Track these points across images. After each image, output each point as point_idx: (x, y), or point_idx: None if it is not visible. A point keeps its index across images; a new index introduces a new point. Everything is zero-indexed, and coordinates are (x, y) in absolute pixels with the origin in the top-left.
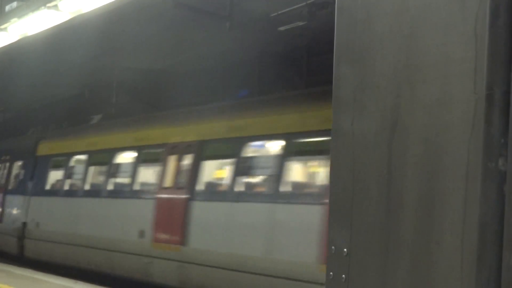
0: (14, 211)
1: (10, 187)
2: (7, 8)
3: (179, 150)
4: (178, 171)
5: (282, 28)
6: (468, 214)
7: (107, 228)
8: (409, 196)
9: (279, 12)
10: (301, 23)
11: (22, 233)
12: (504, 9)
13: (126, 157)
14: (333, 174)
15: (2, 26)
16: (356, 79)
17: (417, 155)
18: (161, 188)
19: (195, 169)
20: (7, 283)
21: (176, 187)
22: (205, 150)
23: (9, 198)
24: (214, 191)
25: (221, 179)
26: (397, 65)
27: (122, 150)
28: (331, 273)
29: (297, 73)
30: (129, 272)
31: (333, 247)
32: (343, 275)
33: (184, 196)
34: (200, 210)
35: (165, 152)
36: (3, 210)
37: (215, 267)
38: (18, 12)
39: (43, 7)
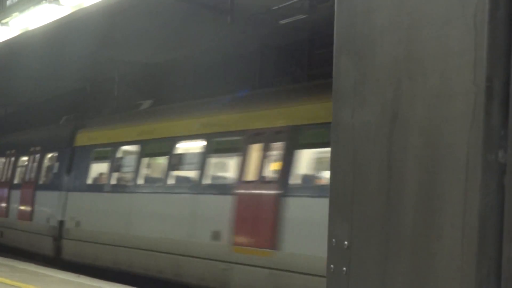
0: (48, 208)
1: (41, 182)
2: (8, 2)
3: (265, 137)
4: (265, 162)
5: (283, 22)
6: (468, 206)
7: (170, 229)
8: (409, 188)
9: (280, 6)
10: (302, 16)
11: (58, 232)
12: (504, 1)
13: (192, 147)
14: (333, 166)
15: (4, 21)
16: (356, 71)
17: (417, 147)
18: (241, 182)
19: (288, 159)
20: (10, 277)
21: (262, 181)
22: (301, 137)
23: (41, 194)
24: (317, 186)
25: (327, 171)
26: (397, 58)
27: (186, 138)
28: (332, 266)
29: (298, 66)
30: (200, 279)
31: (333, 239)
32: (344, 268)
33: (275, 192)
34: (297, 208)
35: (245, 140)
36: (33, 207)
37: (320, 275)
38: (19, 7)
39: (44, 1)
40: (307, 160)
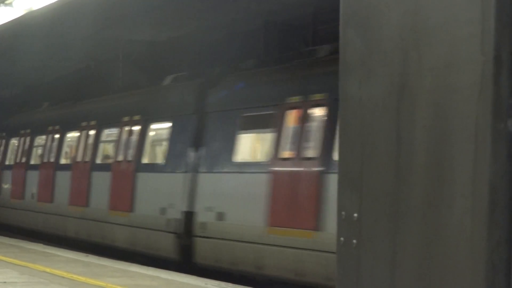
0: None
1: None
2: None
3: None
4: None
5: None
6: (478, 175)
7: None
8: (418, 159)
9: None
10: None
11: None
12: None
13: None
14: (342, 139)
15: (8, 1)
16: (362, 43)
17: (425, 118)
18: None
19: None
20: (19, 258)
21: None
22: None
23: None
24: None
25: None
26: (403, 29)
27: None
28: (341, 238)
29: (303, 42)
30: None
31: (343, 212)
32: (354, 240)
33: None
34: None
35: None
36: None
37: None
38: None
39: None
40: None
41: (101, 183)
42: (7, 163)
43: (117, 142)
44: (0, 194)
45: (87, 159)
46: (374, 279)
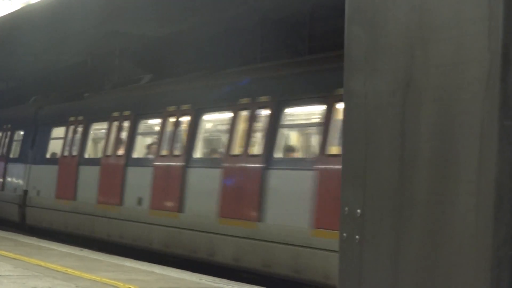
0: None
1: None
2: None
3: None
4: None
5: None
6: (484, 173)
7: None
8: (423, 156)
9: None
10: None
11: None
12: None
13: None
14: (346, 135)
15: None
16: (368, 39)
17: (430, 115)
18: None
19: None
20: (13, 251)
21: None
22: None
23: None
24: None
25: None
26: (409, 25)
27: None
28: (344, 234)
29: (299, 39)
30: None
31: (346, 208)
32: (357, 236)
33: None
34: None
35: None
36: None
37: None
38: None
39: None
40: None
41: (289, 186)
42: (87, 156)
43: (324, 125)
44: (76, 197)
45: (255, 151)
46: (376, 275)
